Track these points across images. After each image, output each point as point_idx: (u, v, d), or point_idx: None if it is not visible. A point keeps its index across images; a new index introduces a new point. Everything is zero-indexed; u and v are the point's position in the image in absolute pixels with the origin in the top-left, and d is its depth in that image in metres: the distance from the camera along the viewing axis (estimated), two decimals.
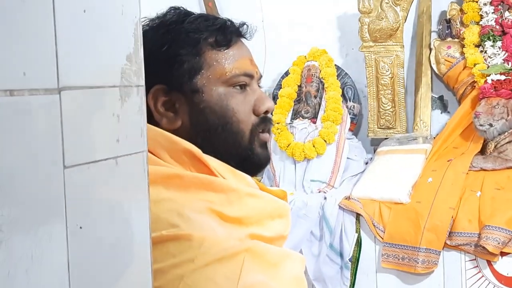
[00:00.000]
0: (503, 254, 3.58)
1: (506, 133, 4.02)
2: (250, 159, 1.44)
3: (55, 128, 0.79)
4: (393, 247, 3.74)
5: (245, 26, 1.49)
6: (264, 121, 1.46)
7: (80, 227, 0.83)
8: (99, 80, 0.89)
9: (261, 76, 1.51)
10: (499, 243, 3.52)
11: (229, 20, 1.48)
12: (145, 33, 1.43)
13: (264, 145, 1.47)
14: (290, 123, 4.44)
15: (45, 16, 0.78)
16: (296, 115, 4.50)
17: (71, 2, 0.83)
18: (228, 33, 1.44)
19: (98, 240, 0.87)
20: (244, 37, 1.49)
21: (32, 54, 0.76)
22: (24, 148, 0.74)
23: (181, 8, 1.48)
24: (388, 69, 4.50)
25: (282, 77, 4.68)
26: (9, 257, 0.71)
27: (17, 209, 0.73)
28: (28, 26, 0.76)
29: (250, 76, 1.45)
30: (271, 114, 1.50)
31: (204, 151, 1.36)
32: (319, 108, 4.48)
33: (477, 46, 4.32)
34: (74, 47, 0.83)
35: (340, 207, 3.92)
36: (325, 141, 4.27)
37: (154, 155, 1.32)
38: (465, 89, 4.35)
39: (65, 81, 0.81)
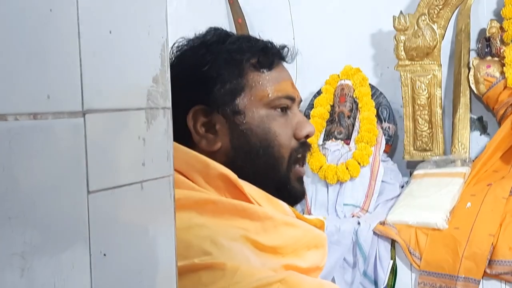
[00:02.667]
0: None
1: None
2: (287, 189, 1.44)
3: (79, 152, 0.80)
4: (430, 275, 3.71)
5: (286, 48, 1.50)
6: (303, 146, 1.46)
7: (104, 254, 0.83)
8: (124, 103, 0.89)
9: (301, 100, 1.52)
10: None
11: (270, 42, 1.48)
12: (185, 53, 1.45)
13: (300, 179, 1.47)
14: (322, 144, 4.44)
15: (70, 37, 0.79)
16: (328, 136, 4.49)
17: (97, 23, 0.84)
18: (270, 55, 1.45)
19: (122, 267, 0.87)
20: (285, 60, 1.50)
21: (56, 76, 0.77)
22: (47, 172, 0.75)
23: (221, 29, 1.49)
24: (425, 89, 4.48)
25: (314, 96, 4.69)
26: (31, 285, 0.72)
27: (39, 235, 0.73)
28: (52, 48, 0.76)
29: (292, 99, 1.46)
30: None
31: (243, 175, 1.36)
32: (352, 129, 4.48)
33: None
34: (99, 69, 0.84)
35: (374, 232, 3.90)
36: (359, 163, 4.26)
37: (188, 178, 1.33)
38: (506, 110, 4.32)
39: (90, 103, 0.82)
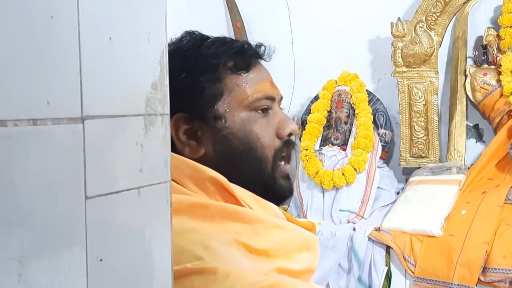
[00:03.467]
0: None
1: None
2: (274, 188, 1.44)
3: (78, 157, 0.80)
4: (425, 282, 3.71)
5: (262, 47, 1.49)
6: (287, 145, 1.46)
7: (101, 260, 0.83)
8: (123, 109, 0.90)
9: (282, 98, 1.51)
10: None
11: (246, 42, 1.48)
12: None
13: (287, 176, 1.47)
14: (319, 150, 4.44)
15: (70, 43, 0.79)
16: (325, 141, 4.50)
17: (97, 30, 0.84)
18: (247, 57, 1.44)
19: (118, 272, 0.87)
20: (263, 59, 1.49)
21: (56, 82, 0.77)
22: (46, 178, 0.75)
23: (196, 32, 1.49)
24: (421, 96, 4.49)
25: (312, 102, 4.69)
26: None
27: (37, 240, 0.73)
28: (52, 54, 0.77)
29: (272, 99, 1.45)
30: (300, 139, 1.50)
31: (229, 179, 1.36)
32: (349, 135, 4.48)
33: None
34: (99, 75, 0.84)
35: (369, 238, 3.91)
36: (355, 169, 4.26)
37: (178, 184, 1.33)
38: (502, 118, 4.33)
39: (89, 109, 0.82)
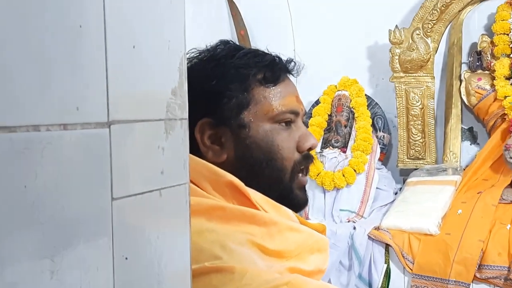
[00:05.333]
0: None
1: None
2: (289, 198, 1.44)
3: (105, 160, 0.81)
4: (422, 278, 3.71)
5: (292, 63, 1.48)
6: (306, 159, 1.45)
7: (126, 258, 0.84)
8: (146, 114, 0.90)
9: (306, 113, 1.50)
10: None
11: (277, 56, 1.47)
12: (195, 66, 1.43)
13: (303, 188, 1.47)
14: (320, 152, 4.44)
15: (98, 52, 0.80)
16: (326, 144, 4.50)
17: (122, 39, 0.84)
18: (276, 70, 1.43)
19: (141, 270, 0.88)
20: (292, 74, 1.49)
21: (85, 89, 0.78)
22: (75, 180, 0.76)
23: (231, 42, 1.48)
24: (418, 100, 4.50)
25: (313, 106, 4.69)
26: (60, 286, 0.72)
27: (67, 240, 0.74)
28: (81, 62, 0.77)
29: (296, 113, 1.44)
30: None
31: (248, 185, 1.36)
32: (349, 138, 4.49)
33: (508, 78, 4.31)
34: (123, 82, 0.85)
35: (369, 237, 3.91)
36: (354, 170, 4.26)
37: (197, 186, 1.33)
38: (495, 121, 4.34)
39: (115, 115, 0.82)
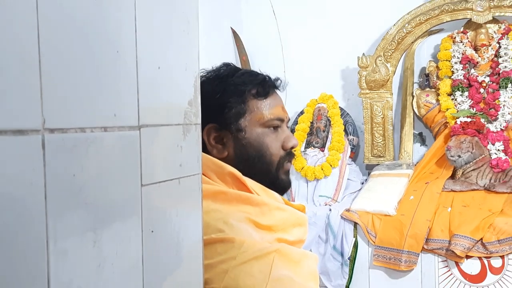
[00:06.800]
0: (467, 257, 3.54)
1: (471, 163, 3.99)
2: (277, 183, 1.44)
3: (136, 155, 0.81)
4: (382, 249, 3.71)
5: (279, 80, 1.49)
6: (289, 155, 1.46)
7: (152, 231, 0.84)
8: (168, 120, 0.90)
9: (289, 119, 1.50)
10: (465, 248, 3.48)
11: (267, 76, 1.47)
12: (203, 83, 1.43)
13: (287, 172, 1.46)
14: (304, 151, 4.44)
15: (131, 71, 0.80)
16: (308, 145, 4.49)
17: (150, 62, 0.84)
18: (266, 87, 1.44)
19: (164, 240, 0.88)
20: (278, 89, 1.49)
21: (121, 100, 0.78)
22: (113, 170, 0.76)
23: (231, 64, 1.49)
24: (380, 111, 4.49)
25: (298, 115, 4.69)
26: (100, 252, 0.72)
27: (106, 216, 0.74)
28: (118, 79, 0.77)
29: (281, 120, 1.45)
30: None
31: (244, 175, 1.36)
32: (326, 140, 4.48)
33: (449, 95, 4.31)
34: (151, 94, 0.85)
35: (341, 217, 3.91)
36: (330, 165, 4.26)
37: (205, 176, 1.33)
38: (440, 128, 4.34)
39: (144, 120, 0.82)
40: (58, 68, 0.67)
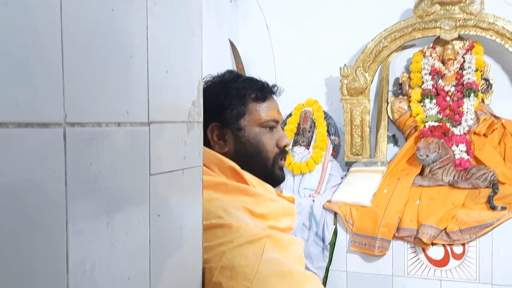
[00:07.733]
0: (433, 244, 3.55)
1: (438, 161, 4.00)
2: (272, 177, 1.43)
3: (145, 148, 0.81)
4: (359, 236, 3.72)
5: (276, 87, 1.48)
6: (283, 152, 1.45)
7: (158, 215, 0.84)
8: (174, 117, 0.90)
9: (283, 121, 1.50)
10: (430, 236, 3.49)
11: (266, 82, 1.47)
12: (208, 87, 1.43)
13: (281, 168, 1.46)
14: (291, 149, 4.44)
15: (142, 74, 0.80)
16: (295, 143, 4.49)
17: (159, 66, 0.84)
18: (265, 92, 1.43)
19: (169, 224, 0.88)
20: (275, 94, 1.48)
21: (133, 99, 0.77)
22: (125, 161, 0.76)
23: (234, 71, 1.48)
24: (359, 115, 4.50)
25: (287, 117, 4.68)
26: (113, 233, 0.72)
27: (119, 201, 0.74)
28: (131, 81, 0.77)
29: (277, 122, 1.45)
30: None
31: (243, 169, 1.35)
32: (311, 139, 4.48)
33: (419, 102, 4.32)
34: (159, 94, 0.85)
35: (323, 207, 3.91)
36: (314, 161, 4.26)
37: (208, 168, 1.32)
38: (410, 130, 4.34)
39: (153, 117, 0.82)
40: (79, 69, 0.67)
